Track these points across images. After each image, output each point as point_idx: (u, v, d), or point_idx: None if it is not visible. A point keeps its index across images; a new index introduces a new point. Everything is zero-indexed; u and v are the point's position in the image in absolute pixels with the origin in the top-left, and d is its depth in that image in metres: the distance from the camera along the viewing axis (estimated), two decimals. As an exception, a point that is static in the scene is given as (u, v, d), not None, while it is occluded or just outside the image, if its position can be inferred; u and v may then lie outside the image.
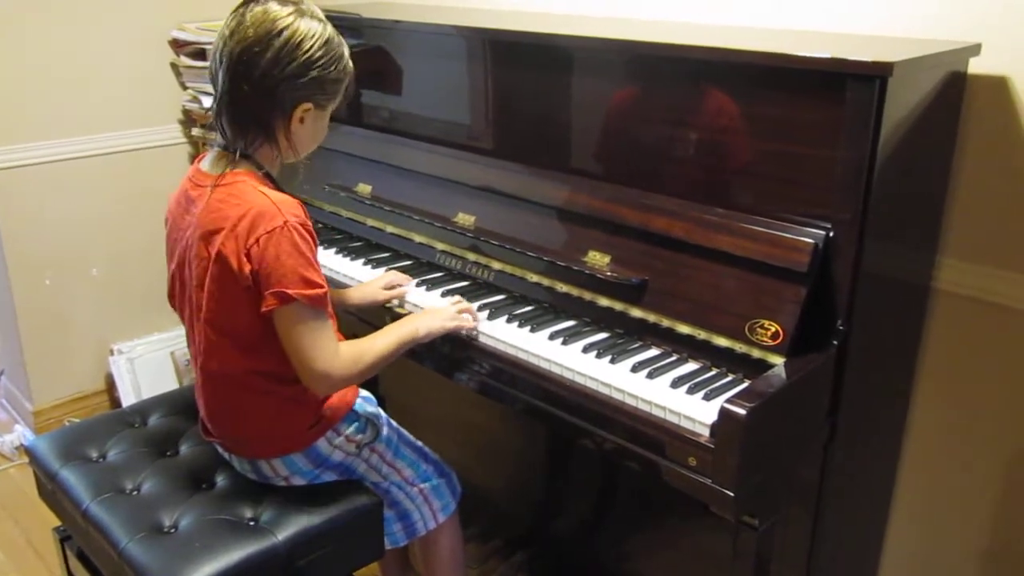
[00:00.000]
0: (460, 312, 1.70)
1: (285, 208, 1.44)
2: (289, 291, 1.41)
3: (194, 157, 3.13)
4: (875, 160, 1.40)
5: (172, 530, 1.53)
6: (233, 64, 1.44)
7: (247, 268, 1.41)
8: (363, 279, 1.93)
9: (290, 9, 1.46)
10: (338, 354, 1.48)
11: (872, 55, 1.37)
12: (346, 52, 1.54)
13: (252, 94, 1.45)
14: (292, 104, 1.48)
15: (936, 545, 1.93)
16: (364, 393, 1.74)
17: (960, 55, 1.59)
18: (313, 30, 1.46)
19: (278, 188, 1.52)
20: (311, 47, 1.45)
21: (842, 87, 1.39)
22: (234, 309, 1.46)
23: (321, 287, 1.45)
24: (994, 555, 1.85)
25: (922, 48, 1.50)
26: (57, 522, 1.80)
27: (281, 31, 1.43)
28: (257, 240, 1.41)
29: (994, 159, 1.67)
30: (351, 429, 1.65)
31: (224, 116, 1.49)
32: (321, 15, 1.51)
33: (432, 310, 1.72)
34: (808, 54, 1.43)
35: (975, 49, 1.59)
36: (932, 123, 1.58)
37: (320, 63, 1.47)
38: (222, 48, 1.45)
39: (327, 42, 1.48)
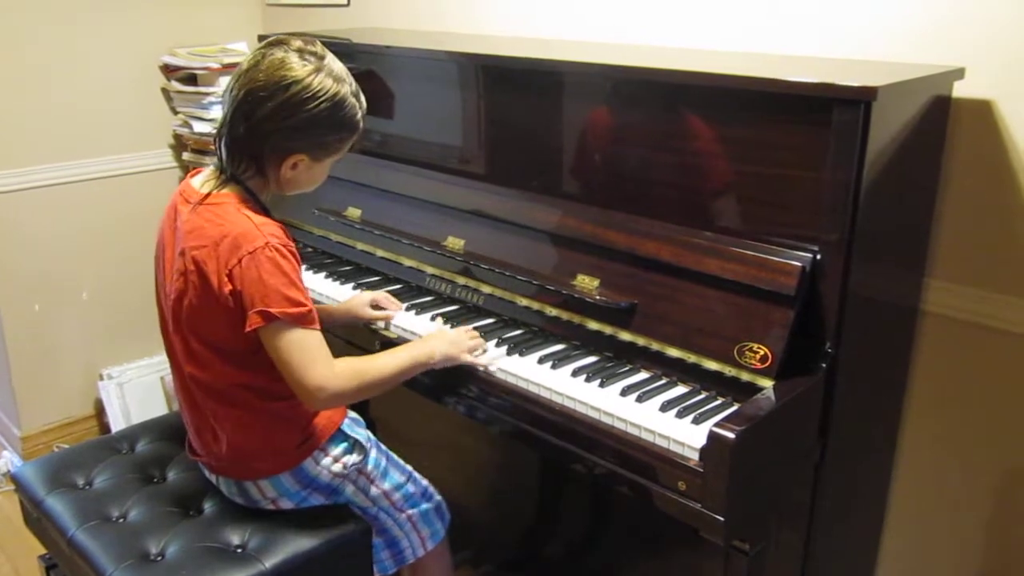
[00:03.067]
0: (475, 347, 1.67)
1: (266, 230, 1.46)
2: (272, 310, 1.41)
3: (185, 181, 3.13)
4: (861, 183, 1.40)
5: (159, 558, 1.51)
6: (239, 101, 1.46)
7: (227, 288, 1.43)
8: (352, 303, 1.93)
9: (309, 66, 1.46)
10: (333, 368, 1.47)
11: (857, 79, 1.38)
12: (359, 115, 1.54)
13: (249, 134, 1.47)
14: (285, 152, 1.49)
15: (929, 566, 1.92)
16: (352, 415, 1.73)
17: (944, 79, 1.61)
18: (325, 90, 1.46)
19: (264, 211, 1.53)
20: (317, 106, 1.45)
21: (828, 111, 1.40)
22: (216, 324, 1.48)
23: (304, 305, 1.45)
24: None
25: (907, 72, 1.51)
26: (43, 550, 1.79)
27: (290, 85, 1.44)
28: (239, 261, 1.42)
29: (979, 181, 1.68)
30: (339, 450, 1.65)
31: (222, 141, 1.51)
32: (341, 75, 1.50)
33: (449, 338, 1.66)
34: (794, 79, 1.44)
35: (959, 73, 1.61)
36: (917, 146, 1.60)
37: (324, 124, 1.48)
38: (236, 81, 1.47)
39: (335, 105, 1.48)
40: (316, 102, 1.45)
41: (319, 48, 1.50)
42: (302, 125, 1.46)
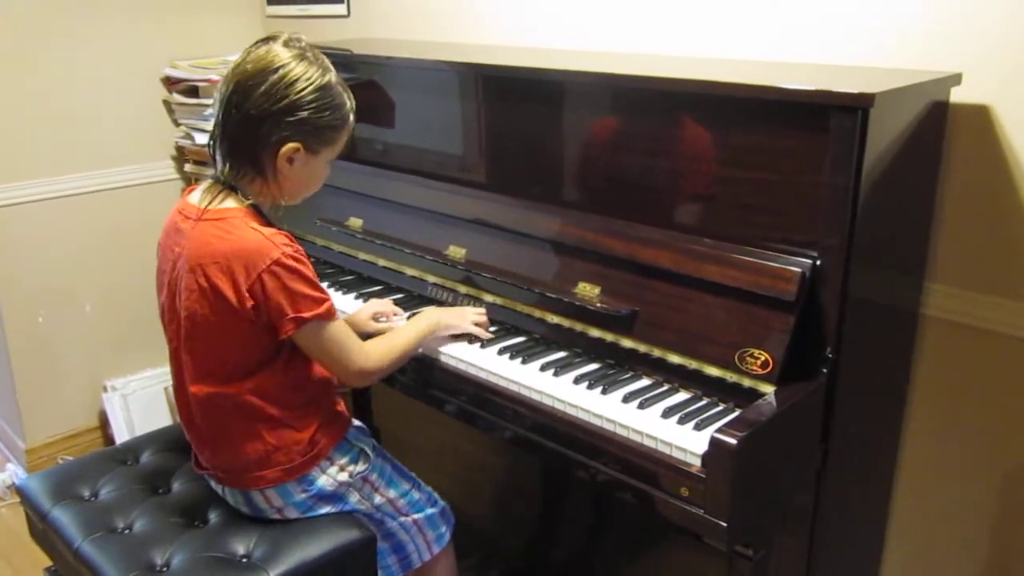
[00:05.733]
0: (478, 322, 1.77)
1: (277, 240, 1.49)
2: (304, 314, 1.49)
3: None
4: (860, 188, 1.41)
5: (164, 569, 1.52)
6: (229, 94, 1.51)
7: (249, 303, 1.47)
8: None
9: (292, 52, 1.52)
10: (366, 350, 1.60)
11: (855, 86, 1.39)
12: (348, 104, 1.58)
13: (241, 125, 1.51)
14: (279, 141, 1.52)
15: (933, 568, 1.93)
16: (357, 423, 1.75)
17: (942, 85, 1.62)
18: (309, 74, 1.51)
19: (266, 221, 1.55)
20: (303, 88, 1.50)
21: (826, 118, 1.41)
22: (232, 339, 1.51)
23: (327, 298, 1.53)
24: (990, 581, 1.85)
25: (904, 78, 1.52)
26: (49, 562, 1.79)
27: (276, 69, 1.50)
28: (258, 277, 1.46)
29: (977, 186, 1.69)
30: (344, 459, 1.66)
31: (218, 145, 1.55)
32: (326, 64, 1.56)
33: (452, 308, 1.82)
34: (793, 86, 1.45)
35: (956, 79, 1.61)
36: (916, 151, 1.60)
37: (311, 106, 1.51)
38: (224, 79, 1.53)
39: (322, 88, 1.52)
40: (303, 84, 1.51)
41: (304, 43, 1.56)
42: (292, 108, 1.50)
